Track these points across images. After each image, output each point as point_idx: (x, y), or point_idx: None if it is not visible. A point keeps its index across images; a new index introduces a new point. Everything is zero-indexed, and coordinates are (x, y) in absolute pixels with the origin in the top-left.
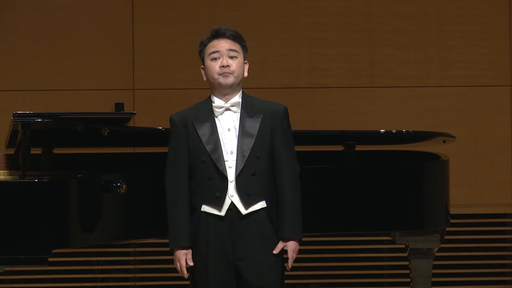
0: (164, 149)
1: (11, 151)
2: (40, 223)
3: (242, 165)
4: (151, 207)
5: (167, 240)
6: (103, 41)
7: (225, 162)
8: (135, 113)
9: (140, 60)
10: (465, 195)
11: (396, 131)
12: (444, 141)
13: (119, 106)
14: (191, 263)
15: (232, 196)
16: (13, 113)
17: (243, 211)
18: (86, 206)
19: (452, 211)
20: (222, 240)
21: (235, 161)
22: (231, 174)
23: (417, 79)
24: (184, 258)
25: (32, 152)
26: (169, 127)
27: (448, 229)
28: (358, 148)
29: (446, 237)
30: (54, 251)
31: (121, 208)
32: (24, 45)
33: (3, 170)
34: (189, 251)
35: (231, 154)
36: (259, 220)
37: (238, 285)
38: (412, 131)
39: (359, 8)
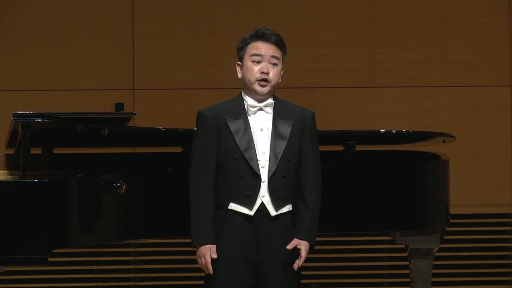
0: (164, 149)
1: (11, 151)
2: (40, 223)
3: (275, 167)
4: (151, 207)
5: (167, 240)
6: (103, 41)
7: (258, 162)
8: (135, 113)
9: (140, 60)
10: (465, 195)
11: (396, 131)
12: (444, 141)
13: (119, 106)
14: (215, 256)
15: (263, 196)
16: (13, 113)
17: (273, 212)
18: (86, 206)
19: (452, 211)
20: (247, 240)
21: (267, 162)
22: (264, 174)
23: (417, 79)
24: (209, 253)
25: (32, 152)
26: (168, 127)
27: (448, 229)
28: (358, 148)
29: (446, 237)
30: (54, 251)
31: (121, 208)
32: (24, 45)
33: (3, 170)
34: (214, 246)
35: (263, 154)
36: (285, 224)
37: (256, 286)
38: (412, 131)
39: (359, 8)
